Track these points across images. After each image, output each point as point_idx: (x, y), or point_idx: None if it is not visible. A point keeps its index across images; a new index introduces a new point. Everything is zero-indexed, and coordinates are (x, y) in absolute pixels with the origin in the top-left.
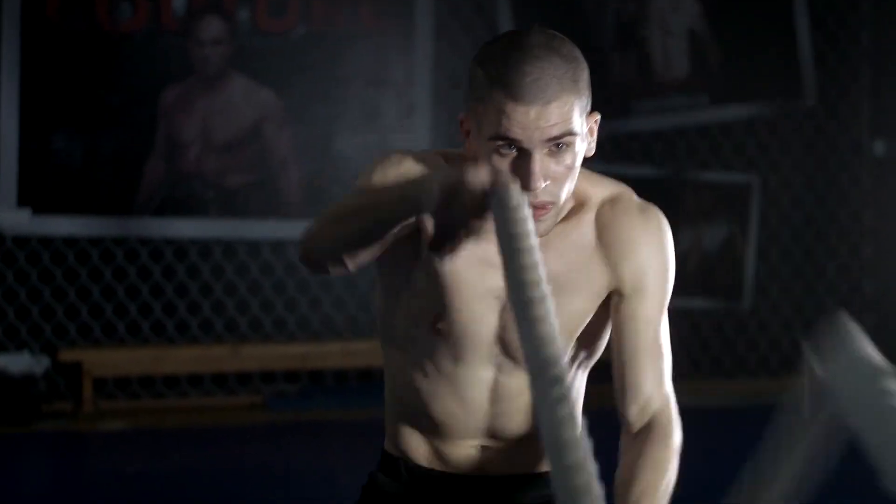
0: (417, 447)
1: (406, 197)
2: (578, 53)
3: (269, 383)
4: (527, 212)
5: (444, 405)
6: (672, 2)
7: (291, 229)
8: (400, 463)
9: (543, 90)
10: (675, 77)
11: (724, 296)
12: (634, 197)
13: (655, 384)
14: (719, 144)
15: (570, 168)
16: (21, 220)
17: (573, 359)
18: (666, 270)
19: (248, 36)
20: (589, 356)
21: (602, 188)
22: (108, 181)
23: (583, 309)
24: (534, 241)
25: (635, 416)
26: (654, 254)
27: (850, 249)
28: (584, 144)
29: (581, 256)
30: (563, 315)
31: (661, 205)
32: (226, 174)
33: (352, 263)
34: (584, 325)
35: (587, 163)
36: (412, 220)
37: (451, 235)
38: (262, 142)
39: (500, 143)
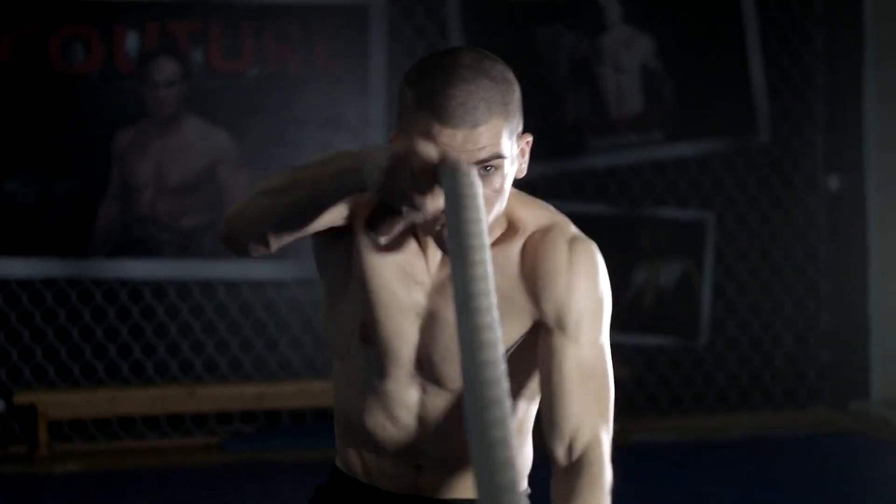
0: (356, 462)
1: (347, 169)
2: (510, 75)
3: (226, 424)
4: (480, 196)
5: (374, 421)
6: (625, 39)
7: (246, 270)
8: (346, 479)
9: (471, 113)
10: (629, 114)
11: (681, 332)
12: (570, 228)
13: (582, 420)
14: (674, 181)
15: (499, 192)
16: None
17: (520, 390)
18: (596, 304)
19: (202, 77)
20: (535, 387)
21: (536, 216)
22: (61, 223)
23: (510, 334)
24: (485, 232)
25: (562, 454)
26: (579, 286)
27: (807, 284)
28: (514, 166)
29: (506, 283)
30: None
31: (616, 242)
32: (180, 216)
33: (275, 242)
34: (512, 350)
35: (533, 191)
36: (348, 199)
37: (390, 211)
38: (217, 183)
39: None
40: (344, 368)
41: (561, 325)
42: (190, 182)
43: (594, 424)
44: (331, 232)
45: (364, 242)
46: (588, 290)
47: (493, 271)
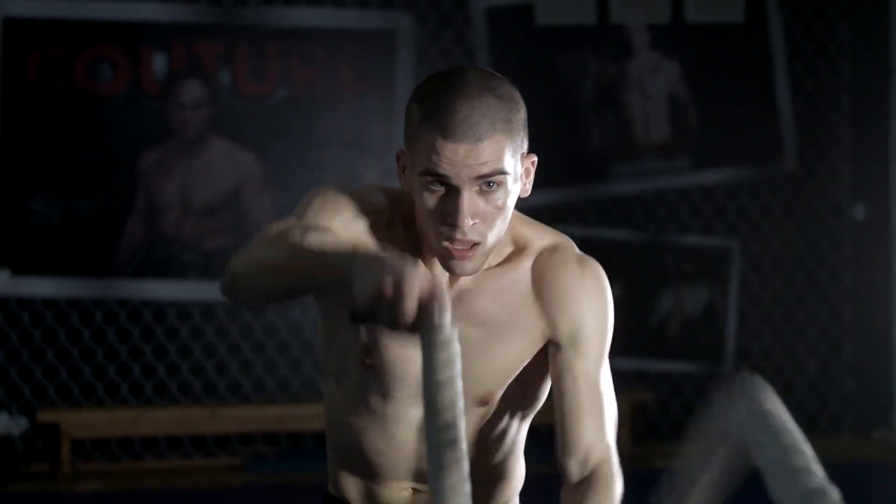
0: (352, 488)
1: (340, 273)
2: (516, 94)
3: (248, 445)
4: (455, 348)
5: (373, 443)
6: (651, 66)
7: None
8: (338, 503)
9: (474, 128)
10: (655, 141)
11: (706, 359)
12: (574, 248)
13: (595, 437)
14: (699, 208)
15: (501, 208)
16: None
17: (513, 407)
18: (604, 322)
19: (229, 99)
20: (528, 405)
21: (542, 236)
22: (86, 243)
23: (518, 353)
24: (457, 379)
25: (575, 469)
26: (591, 305)
27: (831, 312)
28: (517, 185)
29: (516, 301)
30: (493, 357)
31: (641, 269)
32: (205, 237)
33: (273, 307)
34: (520, 369)
35: (558, 217)
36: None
37: (372, 321)
38: (242, 205)
39: (430, 178)
40: (339, 391)
41: (575, 342)
42: (215, 203)
43: (607, 441)
44: None
45: None
46: (599, 309)
47: (501, 289)
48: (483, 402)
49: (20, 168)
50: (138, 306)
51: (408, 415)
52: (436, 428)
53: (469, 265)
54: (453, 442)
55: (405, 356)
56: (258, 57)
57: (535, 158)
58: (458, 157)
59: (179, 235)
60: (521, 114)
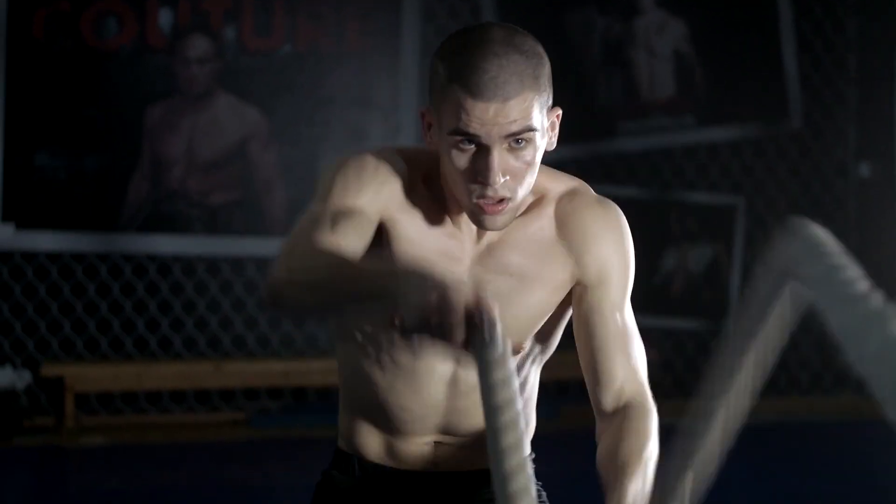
0: (371, 444)
1: (382, 290)
2: (540, 49)
3: (252, 400)
4: (510, 366)
5: (400, 399)
6: (658, 24)
7: (275, 247)
8: (353, 459)
9: (502, 87)
10: (661, 98)
11: (709, 316)
12: (591, 192)
13: (628, 370)
14: (705, 166)
15: (530, 164)
16: (4, 235)
17: (529, 354)
18: (627, 261)
19: (235, 55)
20: (544, 350)
21: (560, 182)
22: (92, 197)
23: (545, 301)
24: (516, 399)
25: (610, 402)
26: (615, 245)
27: None
28: (544, 140)
29: (542, 249)
30: (524, 307)
31: (646, 226)
32: (210, 192)
33: (316, 317)
34: (548, 316)
35: (550, 160)
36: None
37: (421, 333)
38: (247, 160)
39: (460, 138)
40: (361, 352)
41: (602, 281)
42: (220, 158)
43: (640, 377)
44: None
45: (397, 232)
46: (623, 248)
47: (527, 238)
48: (515, 351)
49: (26, 123)
50: (143, 261)
51: (437, 370)
52: (497, 450)
53: (500, 220)
54: (520, 467)
55: None
56: (264, 12)
57: (560, 112)
58: (487, 117)
59: (185, 190)
60: (547, 69)
